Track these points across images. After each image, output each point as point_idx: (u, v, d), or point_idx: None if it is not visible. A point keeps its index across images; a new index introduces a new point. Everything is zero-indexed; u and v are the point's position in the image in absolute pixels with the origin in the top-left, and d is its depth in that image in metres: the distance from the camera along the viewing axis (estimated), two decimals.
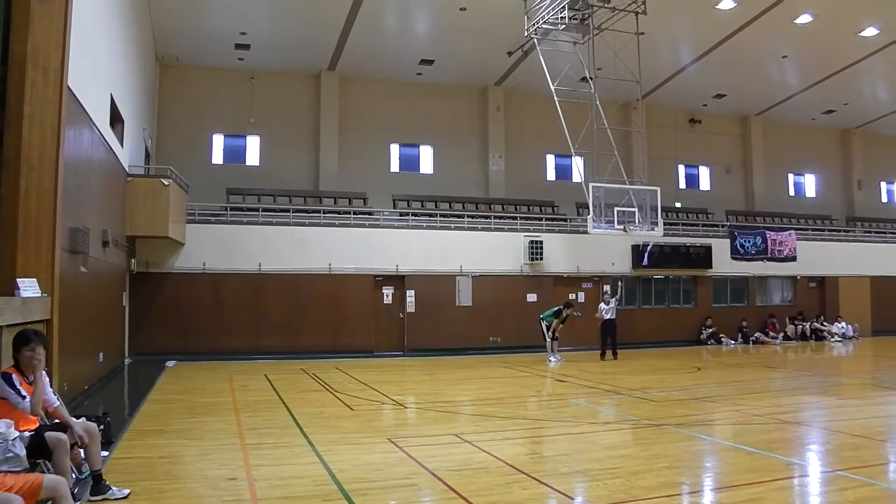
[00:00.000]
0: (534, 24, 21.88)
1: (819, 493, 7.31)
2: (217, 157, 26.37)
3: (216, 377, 16.77)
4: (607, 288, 22.24)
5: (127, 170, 18.13)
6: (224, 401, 13.09)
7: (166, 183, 18.70)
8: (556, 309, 21.24)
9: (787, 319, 28.88)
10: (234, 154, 26.65)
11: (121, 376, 17.55)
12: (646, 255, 25.98)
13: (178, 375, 17.27)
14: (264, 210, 23.48)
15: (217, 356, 20.48)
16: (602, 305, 21.66)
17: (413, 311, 23.45)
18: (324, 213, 24.04)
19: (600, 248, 25.42)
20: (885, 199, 38.66)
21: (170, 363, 19.37)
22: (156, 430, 10.05)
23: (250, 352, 21.17)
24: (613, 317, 21.58)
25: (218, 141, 26.39)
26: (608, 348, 21.53)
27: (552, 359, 20.61)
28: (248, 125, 26.45)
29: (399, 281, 23.51)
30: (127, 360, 19.62)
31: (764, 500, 6.68)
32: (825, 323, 29.19)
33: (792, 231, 29.57)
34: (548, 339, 20.98)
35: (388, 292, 23.44)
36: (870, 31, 26.09)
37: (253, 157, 26.74)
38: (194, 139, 25.65)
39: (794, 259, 28.87)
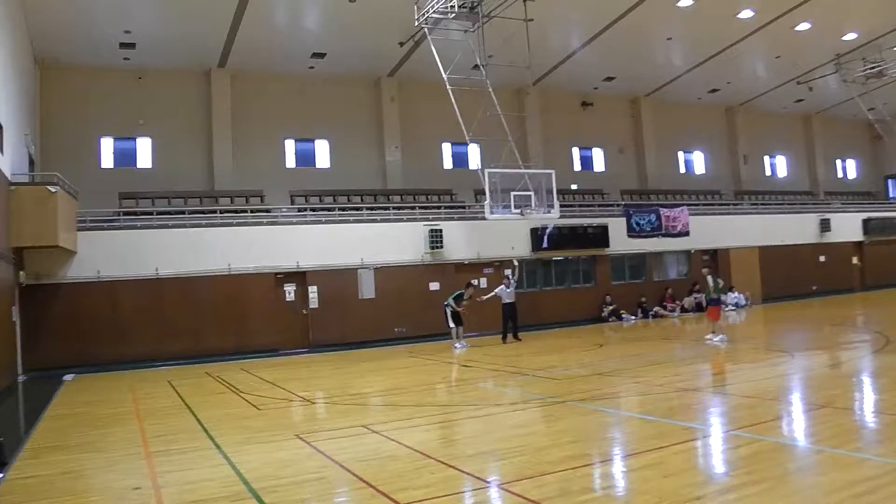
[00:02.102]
0: (424, 14, 21.94)
1: (714, 453, 7.74)
2: (107, 161, 25.53)
3: (118, 387, 16.31)
4: (508, 272, 22.54)
5: (9, 178, 17.38)
6: (127, 410, 12.80)
7: (53, 190, 17.98)
8: (457, 293, 21.44)
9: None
10: (125, 157, 25.83)
11: (14, 395, 16.84)
12: (545, 237, 26.44)
13: (77, 389, 16.73)
14: (159, 213, 22.91)
15: (118, 366, 19.85)
16: (502, 288, 21.94)
17: (316, 306, 23.31)
18: (220, 213, 23.63)
19: (500, 234, 25.75)
20: (768, 172, 40.51)
21: (68, 377, 18.65)
22: (54, 446, 9.73)
23: (152, 359, 20.66)
24: (513, 300, 21.88)
25: (107, 144, 25.54)
26: (510, 331, 21.88)
27: (457, 345, 20.77)
28: (137, 126, 25.67)
29: (301, 277, 23.33)
30: (21, 378, 18.79)
31: (664, 463, 7.02)
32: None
33: (684, 207, 30.55)
34: (452, 327, 21.10)
35: (290, 289, 23.22)
36: (746, 13, 27.29)
37: (144, 159, 25.99)
38: (81, 143, 24.73)
39: (687, 234, 29.84)
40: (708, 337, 18.13)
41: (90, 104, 24.92)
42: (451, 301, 21.14)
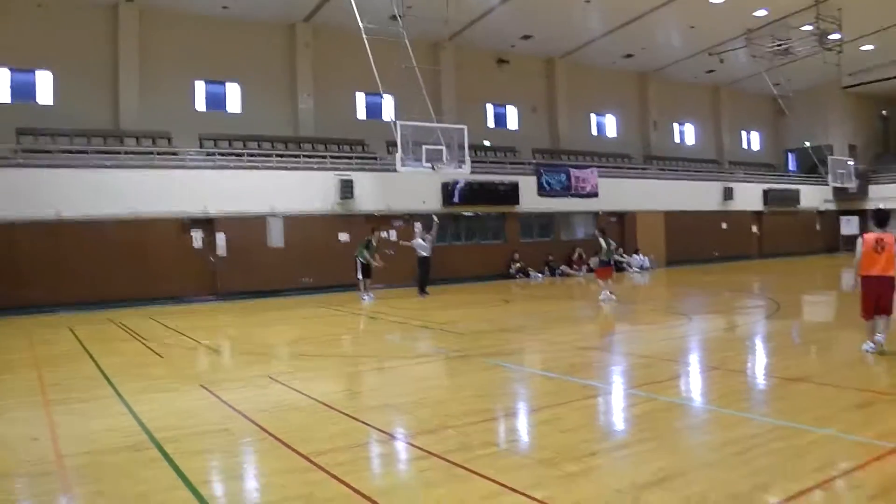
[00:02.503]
0: None
1: (610, 410, 8.06)
2: (3, 95, 24.26)
3: (13, 333, 15.83)
4: (419, 225, 22.63)
5: None
6: (23, 357, 12.44)
7: None
8: (366, 240, 21.55)
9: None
10: (24, 91, 24.52)
11: None
12: (455, 192, 26.63)
13: None
14: (60, 152, 22.00)
15: (15, 312, 19.11)
16: (419, 241, 22.06)
17: (224, 254, 22.94)
18: (125, 153, 22.84)
19: (411, 187, 25.78)
20: (677, 139, 41.58)
21: None
22: None
23: (52, 304, 19.94)
24: (429, 254, 22.10)
25: (3, 76, 24.25)
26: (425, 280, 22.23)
27: (365, 297, 20.90)
28: (37, 59, 24.44)
29: (208, 224, 22.89)
30: None
31: (562, 419, 7.28)
32: (624, 255, 31.14)
33: (594, 168, 31.18)
34: (360, 279, 21.22)
35: (197, 236, 22.74)
36: None
37: (45, 94, 24.78)
38: None
39: (595, 195, 30.52)
40: (602, 297, 18.70)
41: None
42: (363, 252, 21.16)
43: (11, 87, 24.36)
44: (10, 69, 24.30)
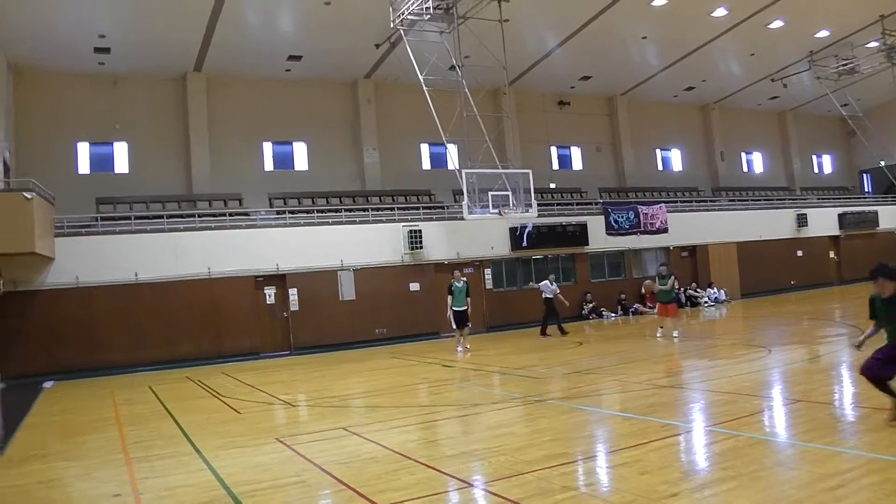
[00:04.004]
0: (399, 16, 21.95)
1: (691, 449, 7.83)
2: (83, 167, 25.36)
3: (97, 394, 16.24)
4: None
5: None
6: (106, 417, 12.74)
7: (29, 196, 17.78)
8: (457, 286, 19.67)
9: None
10: (102, 162, 25.67)
11: None
12: (524, 236, 26.57)
13: (56, 396, 16.65)
14: (137, 218, 22.76)
15: (97, 373, 19.81)
16: (546, 283, 22.47)
17: (296, 308, 23.25)
18: (199, 216, 23.48)
19: (479, 233, 25.82)
20: (745, 168, 40.92)
21: (47, 384, 18.58)
22: (32, 455, 9.68)
23: (132, 365, 20.50)
24: (551, 295, 22.45)
25: (83, 149, 25.37)
26: (552, 324, 22.44)
27: (459, 349, 19.63)
28: (113, 131, 25.51)
29: (280, 280, 23.28)
30: None
31: (642, 461, 7.08)
32: (698, 289, 30.58)
33: (662, 204, 30.75)
34: (455, 328, 19.84)
35: (270, 292, 23.17)
36: (720, 12, 27.57)
37: (121, 164, 25.84)
38: (57, 149, 24.53)
39: (665, 231, 30.04)
40: (675, 334, 18.59)
41: (65, 109, 24.72)
42: (456, 300, 19.49)
43: (90, 160, 25.51)
44: (90, 143, 25.40)
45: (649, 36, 29.38)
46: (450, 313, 19.43)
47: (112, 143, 25.74)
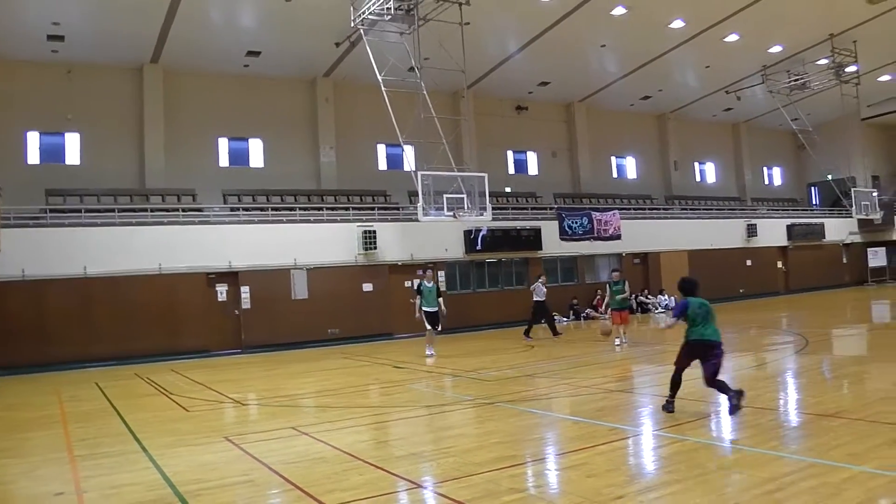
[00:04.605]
0: (360, 15, 21.93)
1: (638, 453, 7.97)
2: (33, 157, 24.85)
3: (42, 390, 15.94)
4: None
5: None
6: (51, 414, 12.51)
7: None
8: (417, 286, 19.55)
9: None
10: (53, 153, 25.17)
11: None
12: (478, 239, 26.69)
13: None
14: (87, 211, 22.37)
15: (43, 368, 19.36)
16: (539, 286, 22.15)
17: (249, 307, 23.07)
18: (151, 211, 23.20)
19: (434, 235, 25.89)
20: (698, 178, 41.63)
21: None
22: None
23: (80, 360, 20.14)
24: (543, 299, 22.14)
25: (33, 139, 24.85)
26: (537, 324, 22.29)
27: (428, 352, 18.91)
28: (66, 122, 25.04)
29: (233, 277, 23.07)
30: None
31: (589, 463, 7.21)
32: (650, 296, 30.99)
33: (616, 211, 31.12)
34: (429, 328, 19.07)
35: (222, 289, 22.95)
36: (677, 24, 28.03)
37: (73, 155, 25.37)
38: (6, 138, 24.00)
39: (618, 237, 30.41)
40: (625, 341, 18.75)
41: (16, 97, 24.19)
42: (426, 301, 18.88)
43: (41, 150, 24.99)
44: (40, 132, 24.88)
45: (608, 44, 29.73)
46: (419, 314, 18.78)
47: (64, 134, 25.25)
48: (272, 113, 28.45)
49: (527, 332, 22.02)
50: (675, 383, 9.79)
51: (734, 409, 8.82)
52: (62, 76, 24.91)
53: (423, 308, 18.73)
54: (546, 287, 22.44)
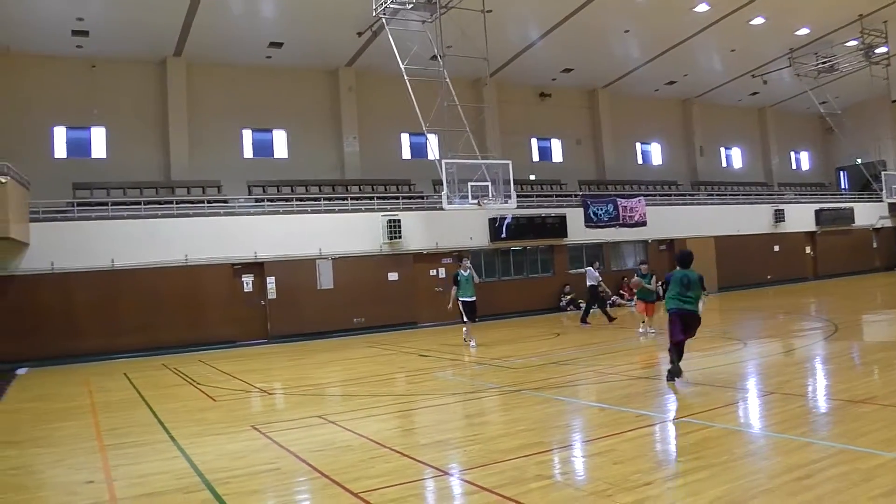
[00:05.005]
0: (382, 4, 21.92)
1: (665, 440, 7.92)
2: (60, 151, 25.09)
3: (71, 381, 16.15)
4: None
5: None
6: (80, 404, 12.65)
7: (3, 181, 17.61)
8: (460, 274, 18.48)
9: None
10: (79, 147, 25.41)
11: None
12: (503, 227, 26.63)
13: (29, 383, 16.54)
14: (114, 204, 22.53)
15: (73, 360, 19.65)
16: (591, 270, 21.92)
17: (274, 297, 23.18)
18: (176, 203, 23.31)
19: (458, 223, 25.86)
20: (724, 163, 41.18)
21: (21, 371, 18.47)
22: (4, 441, 9.62)
23: (108, 352, 20.34)
24: (598, 283, 21.84)
25: (60, 134, 25.10)
26: (593, 309, 22.03)
27: (472, 343, 17.95)
28: (91, 116, 25.22)
29: (258, 268, 23.19)
30: None
31: (616, 450, 7.15)
32: None
33: (641, 197, 30.90)
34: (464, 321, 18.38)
35: (247, 280, 23.07)
36: (702, 7, 27.71)
37: (99, 149, 25.59)
38: (33, 133, 24.25)
39: (644, 224, 30.18)
40: (644, 330, 18.12)
41: (42, 93, 24.43)
42: (463, 290, 18.14)
43: (67, 144, 25.21)
44: (67, 127, 25.11)
45: (631, 30, 29.46)
46: (452, 305, 18.07)
47: (90, 128, 25.47)
48: (295, 104, 28.50)
49: (583, 319, 21.76)
50: (678, 353, 10.78)
51: (669, 377, 10.59)
52: (87, 71, 25.12)
53: (460, 298, 17.94)
54: (599, 272, 21.96)
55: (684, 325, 10.84)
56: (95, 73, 25.22)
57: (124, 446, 8.78)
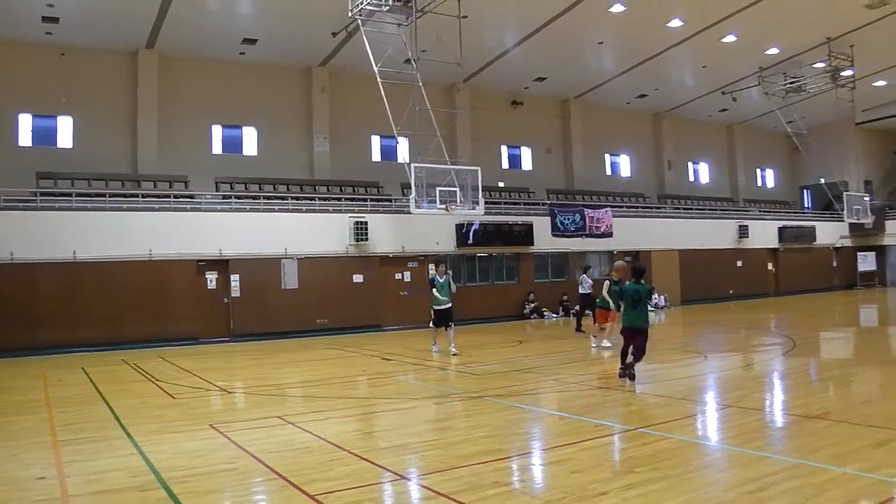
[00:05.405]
0: (357, 5, 21.81)
1: (622, 450, 7.97)
2: (25, 139, 24.62)
3: (28, 374, 15.88)
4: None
5: None
6: (35, 398, 12.45)
7: None
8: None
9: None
10: (44, 136, 24.94)
11: None
12: (470, 233, 26.68)
13: None
14: (78, 195, 22.21)
15: (30, 352, 19.30)
16: (585, 277, 21.00)
17: (238, 295, 23.01)
18: (143, 197, 23.09)
19: (425, 228, 25.86)
20: (691, 178, 41.64)
21: None
22: None
23: (67, 345, 20.06)
24: (588, 291, 20.79)
25: (25, 121, 24.64)
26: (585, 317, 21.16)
27: (603, 343, 17.26)
28: (59, 105, 24.83)
29: (223, 265, 23.01)
30: None
31: (574, 459, 7.21)
32: None
33: (608, 208, 31.15)
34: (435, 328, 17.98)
35: (212, 277, 22.89)
36: (675, 23, 27.93)
37: (65, 139, 25.17)
38: None
39: (610, 235, 30.42)
40: (605, 343, 17.24)
41: (8, 79, 23.92)
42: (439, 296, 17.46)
43: (33, 132, 24.76)
44: (33, 115, 24.70)
45: (606, 41, 29.67)
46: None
47: (56, 117, 25.06)
48: (267, 101, 28.32)
49: (578, 328, 21.18)
50: (624, 355, 11.85)
51: (621, 373, 11.76)
52: (56, 59, 24.71)
53: (433, 306, 17.49)
54: (591, 280, 20.97)
55: (633, 338, 11.61)
56: (65, 61, 24.84)
57: (79, 442, 8.66)
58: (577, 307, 22.09)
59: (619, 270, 16.71)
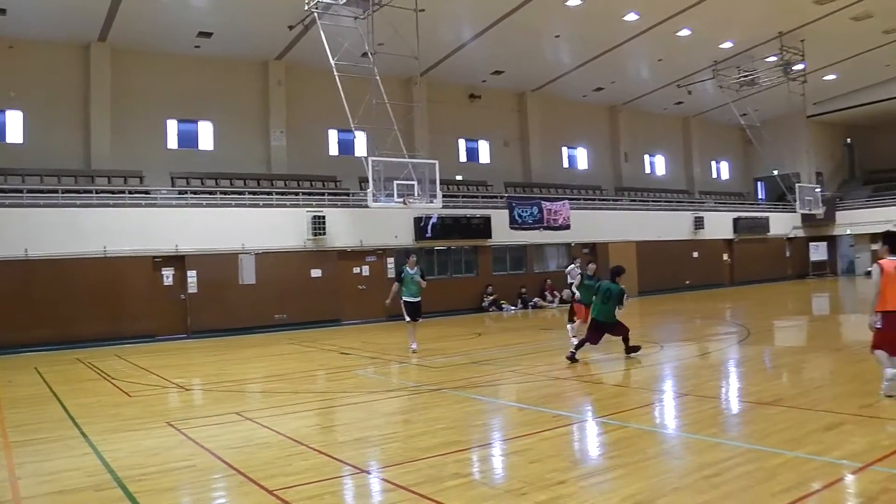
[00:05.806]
0: None
1: (581, 440, 8.14)
2: None
3: None
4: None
5: None
6: None
7: None
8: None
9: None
10: None
11: None
12: (428, 227, 26.69)
13: None
14: (30, 191, 21.77)
15: None
16: (574, 268, 19.70)
17: (195, 291, 22.75)
18: (97, 193, 22.69)
19: (384, 222, 25.83)
20: (648, 170, 42.07)
21: None
22: None
23: (19, 345, 19.62)
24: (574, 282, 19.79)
25: None
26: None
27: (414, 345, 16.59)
28: (8, 99, 24.29)
29: (179, 261, 22.73)
30: None
31: (533, 449, 7.30)
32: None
33: (566, 201, 31.36)
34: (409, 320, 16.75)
35: (168, 274, 22.60)
36: (631, 17, 28.21)
37: (15, 134, 24.62)
38: None
39: (568, 227, 30.65)
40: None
41: None
42: (408, 289, 16.60)
43: None
44: None
45: (563, 35, 29.86)
46: (391, 301, 16.70)
47: (5, 111, 24.51)
48: (223, 95, 28.00)
49: (570, 319, 20.34)
50: (581, 344, 13.33)
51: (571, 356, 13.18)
52: (4, 51, 24.12)
53: (403, 298, 16.47)
54: (580, 271, 20.02)
55: (596, 331, 13.23)
56: (13, 53, 24.26)
57: (32, 443, 8.52)
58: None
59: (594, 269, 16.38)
